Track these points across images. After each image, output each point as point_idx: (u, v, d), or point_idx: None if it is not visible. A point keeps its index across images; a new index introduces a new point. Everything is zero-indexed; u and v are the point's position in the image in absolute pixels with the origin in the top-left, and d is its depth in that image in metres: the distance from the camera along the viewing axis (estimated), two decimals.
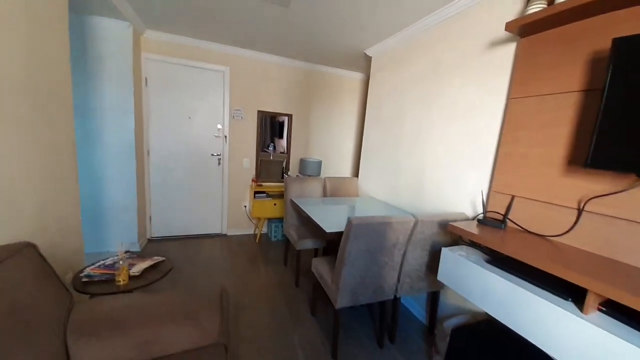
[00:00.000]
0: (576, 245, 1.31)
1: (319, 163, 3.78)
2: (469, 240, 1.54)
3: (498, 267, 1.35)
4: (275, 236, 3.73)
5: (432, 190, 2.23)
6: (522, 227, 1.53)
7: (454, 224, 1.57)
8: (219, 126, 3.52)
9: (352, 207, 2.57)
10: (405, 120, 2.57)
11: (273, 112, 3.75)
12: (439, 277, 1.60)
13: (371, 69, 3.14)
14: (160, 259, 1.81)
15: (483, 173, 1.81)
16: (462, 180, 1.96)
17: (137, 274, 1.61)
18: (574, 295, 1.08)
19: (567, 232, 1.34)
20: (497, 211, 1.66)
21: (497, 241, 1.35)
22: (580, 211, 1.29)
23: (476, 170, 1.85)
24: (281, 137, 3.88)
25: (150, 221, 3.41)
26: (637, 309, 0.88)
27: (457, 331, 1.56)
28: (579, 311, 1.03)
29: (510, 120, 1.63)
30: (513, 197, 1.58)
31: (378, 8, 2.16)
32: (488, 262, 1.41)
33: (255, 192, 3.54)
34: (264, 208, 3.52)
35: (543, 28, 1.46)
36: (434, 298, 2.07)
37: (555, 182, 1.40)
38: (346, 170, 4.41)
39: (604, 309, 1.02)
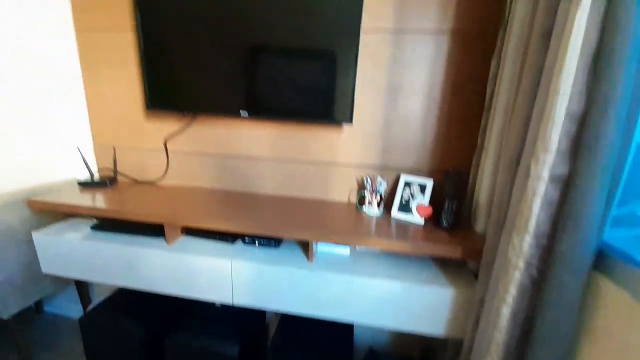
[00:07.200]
0: (175, 183, 1.45)
1: None
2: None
3: (108, 231, 1.22)
4: None
5: (35, 156, 1.63)
6: (133, 179, 1.47)
7: (41, 198, 1.21)
8: None
9: None
10: None
11: None
12: (45, 270, 1.25)
13: None
14: None
15: (84, 124, 1.50)
16: (66, 137, 1.54)
17: None
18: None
19: (166, 173, 1.43)
20: (108, 167, 1.48)
21: (99, 204, 1.18)
22: (167, 151, 1.40)
23: (77, 122, 1.50)
24: None
25: None
26: (201, 227, 1.08)
27: (91, 314, 1.36)
28: (165, 244, 1.14)
29: (84, 57, 1.37)
30: (114, 148, 1.44)
31: None
32: (95, 228, 1.24)
33: None
34: None
35: None
36: (80, 285, 1.72)
37: (143, 127, 1.39)
38: None
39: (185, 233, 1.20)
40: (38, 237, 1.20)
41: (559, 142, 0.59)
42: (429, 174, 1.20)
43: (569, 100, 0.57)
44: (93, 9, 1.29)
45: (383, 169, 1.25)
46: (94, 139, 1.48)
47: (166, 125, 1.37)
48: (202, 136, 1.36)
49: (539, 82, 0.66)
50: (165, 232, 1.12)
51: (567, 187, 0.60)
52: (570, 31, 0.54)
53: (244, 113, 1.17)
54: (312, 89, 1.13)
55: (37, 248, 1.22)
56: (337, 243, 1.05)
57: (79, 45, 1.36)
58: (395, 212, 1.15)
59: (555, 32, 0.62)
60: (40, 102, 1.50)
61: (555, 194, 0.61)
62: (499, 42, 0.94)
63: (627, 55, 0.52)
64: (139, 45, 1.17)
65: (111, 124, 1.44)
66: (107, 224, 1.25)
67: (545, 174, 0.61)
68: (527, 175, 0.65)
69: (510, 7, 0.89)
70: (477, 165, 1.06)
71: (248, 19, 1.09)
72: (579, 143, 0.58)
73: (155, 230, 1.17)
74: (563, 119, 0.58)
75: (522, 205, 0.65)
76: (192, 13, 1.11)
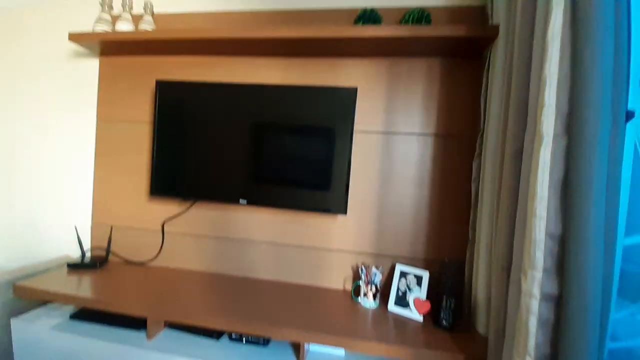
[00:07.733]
0: (167, 265, 1.41)
1: None
2: None
3: (87, 320, 1.15)
4: None
5: (32, 231, 1.62)
6: (124, 259, 1.44)
7: (26, 283, 1.17)
8: None
9: None
10: None
11: None
12: None
13: None
14: None
15: (86, 203, 1.54)
16: (66, 214, 1.57)
17: None
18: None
19: (159, 254, 1.41)
20: (102, 246, 1.47)
21: (82, 292, 1.14)
22: (163, 233, 1.40)
23: (80, 200, 1.54)
24: None
25: None
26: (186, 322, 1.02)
27: None
28: (145, 340, 1.06)
29: (100, 143, 1.48)
30: (112, 227, 1.45)
31: None
32: (74, 316, 1.17)
33: None
34: None
35: (116, 52, 1.42)
36: None
37: (144, 208, 1.42)
38: None
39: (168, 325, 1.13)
40: (16, 324, 1.13)
41: (544, 260, 0.61)
42: (424, 263, 1.19)
43: (546, 223, 0.60)
44: (117, 104, 1.44)
45: (378, 257, 1.24)
46: (93, 218, 1.50)
47: (166, 208, 1.40)
48: (199, 218, 1.38)
49: (517, 199, 0.70)
50: (147, 327, 1.05)
51: (559, 307, 0.59)
52: (537, 164, 0.61)
53: (242, 201, 1.21)
54: (308, 181, 1.20)
55: (13, 336, 1.13)
56: (331, 345, 0.98)
57: (97, 132, 1.48)
58: (391, 306, 1.10)
59: (524, 156, 0.69)
60: (49, 180, 1.58)
61: (549, 314, 0.60)
62: (477, 148, 1.03)
63: (594, 184, 0.56)
64: (153, 138, 1.28)
65: (112, 205, 1.47)
66: (87, 313, 1.18)
67: (536, 291, 0.61)
68: (519, 289, 0.65)
69: (484, 122, 1.00)
70: (472, 259, 1.06)
71: (250, 121, 1.23)
72: (563, 262, 0.59)
73: (136, 322, 1.10)
74: (544, 239, 0.60)
75: (518, 323, 0.64)
76: (203, 114, 1.26)
